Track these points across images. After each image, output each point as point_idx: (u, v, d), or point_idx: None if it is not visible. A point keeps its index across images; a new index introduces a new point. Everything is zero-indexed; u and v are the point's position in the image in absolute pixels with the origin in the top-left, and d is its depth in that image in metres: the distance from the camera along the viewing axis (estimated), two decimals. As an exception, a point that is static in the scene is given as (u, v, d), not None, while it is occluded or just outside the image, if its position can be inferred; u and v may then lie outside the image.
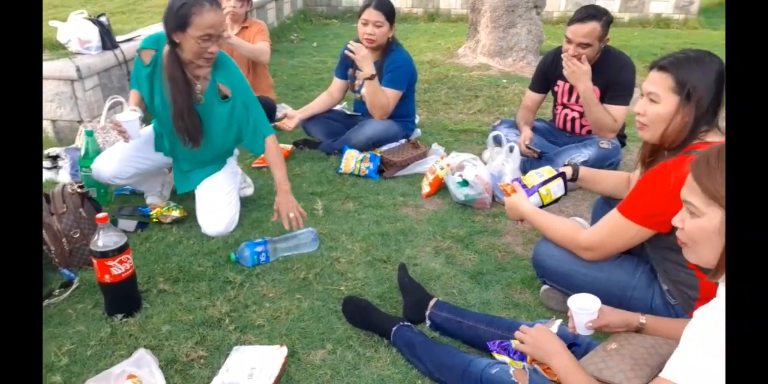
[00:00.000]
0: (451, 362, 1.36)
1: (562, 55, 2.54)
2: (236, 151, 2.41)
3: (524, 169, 2.44)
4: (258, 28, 3.25)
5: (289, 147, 2.99)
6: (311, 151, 3.01)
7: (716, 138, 1.45)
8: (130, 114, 2.01)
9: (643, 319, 1.31)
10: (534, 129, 2.84)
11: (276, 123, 3.07)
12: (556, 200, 1.82)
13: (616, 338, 1.27)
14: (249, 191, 2.54)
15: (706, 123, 1.42)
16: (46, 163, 2.69)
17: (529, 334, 1.26)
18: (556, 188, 1.79)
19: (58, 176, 2.69)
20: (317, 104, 3.05)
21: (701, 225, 0.97)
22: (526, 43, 4.89)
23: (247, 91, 2.15)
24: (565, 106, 2.79)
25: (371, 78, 2.71)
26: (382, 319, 1.60)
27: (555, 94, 2.81)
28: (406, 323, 1.57)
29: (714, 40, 6.36)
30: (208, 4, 1.88)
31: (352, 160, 2.74)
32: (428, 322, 1.65)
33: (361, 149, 2.81)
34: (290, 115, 2.93)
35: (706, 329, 0.86)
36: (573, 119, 2.78)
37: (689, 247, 1.03)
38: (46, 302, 1.76)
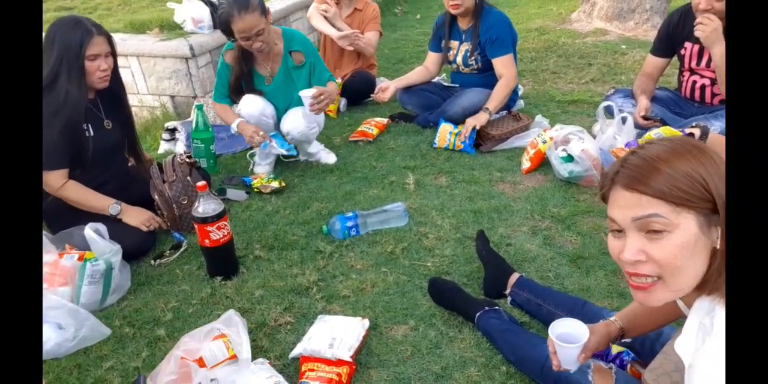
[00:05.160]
0: (531, 355, 1.27)
1: (698, 15, 2.18)
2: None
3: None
4: (373, 13, 3.24)
5: (385, 121, 2.96)
6: (406, 125, 2.95)
7: None
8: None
9: (617, 322, 1.15)
10: (654, 99, 2.52)
11: (372, 96, 3.04)
12: None
13: None
14: (331, 159, 2.62)
15: None
16: (164, 135, 2.93)
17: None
18: None
19: (176, 147, 2.91)
20: (413, 75, 2.98)
21: (681, 241, 0.78)
22: (651, 2, 4.34)
23: (314, 52, 2.47)
24: (693, 72, 2.43)
25: (486, 111, 2.63)
26: (467, 303, 1.54)
27: (681, 58, 2.46)
28: (492, 308, 1.49)
29: None
30: (236, 12, 2.15)
31: (446, 133, 2.64)
32: (509, 299, 1.59)
33: (457, 122, 2.69)
34: (384, 87, 2.89)
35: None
36: (702, 87, 2.42)
37: (665, 281, 0.82)
38: (157, 262, 1.93)
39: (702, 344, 0.79)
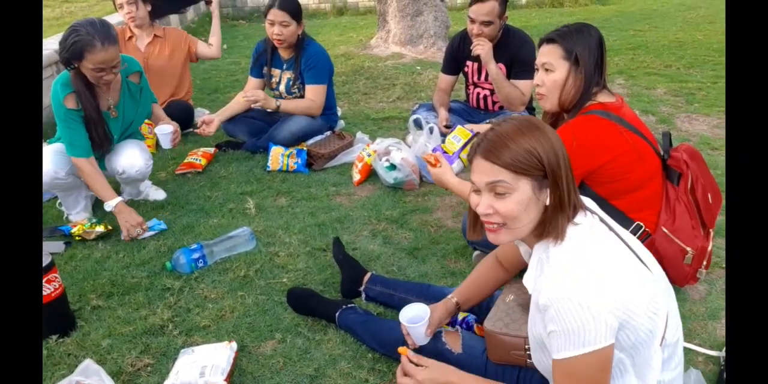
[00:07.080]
0: (389, 337, 1.43)
1: (473, 39, 2.66)
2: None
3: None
4: (178, 38, 3.20)
5: (212, 150, 2.93)
6: (235, 152, 2.97)
7: (607, 98, 1.61)
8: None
9: (453, 298, 1.42)
10: (451, 110, 2.96)
11: (195, 130, 2.99)
12: None
13: (510, 289, 1.36)
14: (160, 195, 2.53)
15: (595, 84, 1.58)
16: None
17: (420, 375, 1.17)
18: None
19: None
20: (234, 105, 3.00)
21: (518, 199, 1.09)
22: (434, 29, 5.05)
23: (143, 73, 2.39)
24: (476, 85, 2.93)
25: (277, 109, 2.85)
26: (326, 305, 1.64)
27: (466, 74, 2.95)
28: (349, 306, 1.62)
29: (603, 14, 6.94)
30: (100, 42, 2.00)
31: (278, 156, 2.73)
32: (363, 296, 1.74)
33: (287, 145, 2.81)
34: (207, 121, 2.85)
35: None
36: (485, 97, 2.93)
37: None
38: (-33, 335, 1.65)
39: (541, 272, 1.06)
